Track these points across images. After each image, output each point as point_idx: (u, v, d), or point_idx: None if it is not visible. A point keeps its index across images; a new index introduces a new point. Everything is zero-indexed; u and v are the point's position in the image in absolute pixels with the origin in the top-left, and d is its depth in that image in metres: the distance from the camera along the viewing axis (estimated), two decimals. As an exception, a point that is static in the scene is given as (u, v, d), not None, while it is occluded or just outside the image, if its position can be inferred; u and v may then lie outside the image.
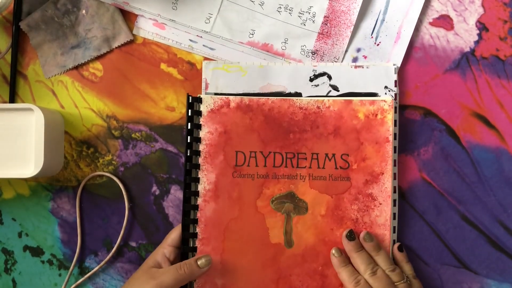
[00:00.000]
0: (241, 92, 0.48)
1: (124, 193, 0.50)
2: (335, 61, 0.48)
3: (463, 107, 0.47)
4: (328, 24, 0.48)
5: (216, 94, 0.48)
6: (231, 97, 0.47)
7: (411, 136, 0.48)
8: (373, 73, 0.47)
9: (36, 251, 0.52)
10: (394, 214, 0.46)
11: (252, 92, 0.48)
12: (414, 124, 0.48)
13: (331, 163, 0.46)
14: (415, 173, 0.48)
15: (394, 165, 0.46)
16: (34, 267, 0.52)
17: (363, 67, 0.47)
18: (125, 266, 0.51)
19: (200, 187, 0.47)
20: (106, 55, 0.50)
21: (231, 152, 0.47)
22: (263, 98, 0.47)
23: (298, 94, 0.48)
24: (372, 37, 0.47)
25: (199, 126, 0.47)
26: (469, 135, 0.47)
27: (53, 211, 0.51)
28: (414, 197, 0.48)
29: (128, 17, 0.50)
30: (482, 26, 0.47)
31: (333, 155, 0.46)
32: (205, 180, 0.47)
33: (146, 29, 0.50)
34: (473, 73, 0.47)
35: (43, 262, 0.52)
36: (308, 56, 0.48)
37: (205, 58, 0.49)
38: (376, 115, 0.46)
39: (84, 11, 0.50)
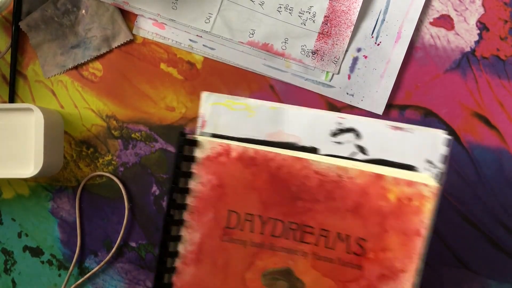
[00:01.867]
0: (243, 137, 0.39)
1: (124, 193, 0.50)
2: (335, 62, 0.48)
3: (464, 107, 0.47)
4: (329, 24, 0.48)
5: (213, 135, 0.40)
6: (232, 144, 0.38)
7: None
8: (415, 140, 0.37)
9: (36, 251, 0.52)
10: None
11: (257, 138, 0.39)
12: (414, 124, 0.48)
13: (342, 244, 0.38)
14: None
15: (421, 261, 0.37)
16: (34, 267, 0.52)
17: (403, 130, 0.37)
18: (125, 267, 0.51)
19: (181, 247, 0.39)
20: (105, 55, 0.50)
21: (223, 210, 0.39)
22: (272, 153, 0.38)
23: (314, 150, 0.39)
24: (372, 37, 0.47)
25: (189, 175, 0.38)
26: (470, 135, 0.47)
27: (53, 211, 0.51)
28: (414, 197, 0.47)
29: (128, 16, 0.50)
30: (482, 26, 0.47)
31: (347, 236, 0.37)
32: (188, 239, 0.39)
33: (146, 29, 0.49)
34: (473, 73, 0.47)
35: (42, 262, 0.52)
36: (308, 56, 0.48)
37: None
38: (411, 200, 0.36)
39: (83, 11, 0.49)
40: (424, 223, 0.36)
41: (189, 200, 0.39)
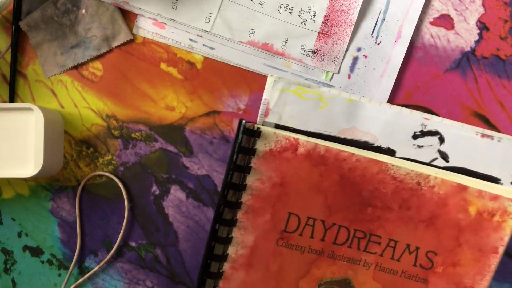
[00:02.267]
0: (312, 131, 0.36)
1: (124, 193, 0.50)
2: (335, 61, 0.48)
3: (464, 107, 0.47)
4: (329, 24, 0.48)
5: (277, 126, 0.36)
6: (301, 139, 0.35)
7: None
8: (504, 150, 0.35)
9: (36, 251, 0.52)
10: None
11: (328, 134, 0.36)
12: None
13: (410, 257, 0.35)
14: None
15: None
16: (34, 267, 0.52)
17: (492, 139, 0.35)
18: (125, 266, 0.51)
19: (231, 250, 0.36)
20: (105, 54, 0.50)
21: (283, 212, 0.35)
22: (346, 152, 0.34)
23: (392, 152, 0.36)
24: (372, 36, 0.47)
25: (247, 169, 0.35)
26: (470, 135, 0.47)
27: (53, 211, 0.51)
28: (414, 197, 0.47)
29: (128, 16, 0.50)
30: (482, 26, 0.47)
31: (417, 248, 0.35)
32: (240, 241, 0.36)
33: (146, 28, 0.49)
34: (473, 72, 0.47)
35: (42, 262, 0.52)
36: (308, 55, 0.48)
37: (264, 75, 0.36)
38: (494, 215, 0.34)
39: (83, 11, 0.49)
40: (504, 241, 0.34)
41: (245, 198, 0.35)
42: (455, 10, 0.47)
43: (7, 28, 0.52)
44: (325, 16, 0.47)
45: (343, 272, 0.36)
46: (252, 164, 0.35)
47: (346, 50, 0.48)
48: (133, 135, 0.50)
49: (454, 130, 0.35)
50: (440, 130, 0.36)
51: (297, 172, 0.35)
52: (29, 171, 0.47)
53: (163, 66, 0.50)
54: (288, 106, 0.36)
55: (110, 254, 0.50)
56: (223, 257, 0.36)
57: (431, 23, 0.47)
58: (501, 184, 0.34)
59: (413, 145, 0.35)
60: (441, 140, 0.35)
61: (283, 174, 0.35)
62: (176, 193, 0.50)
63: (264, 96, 0.36)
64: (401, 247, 0.35)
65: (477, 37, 0.47)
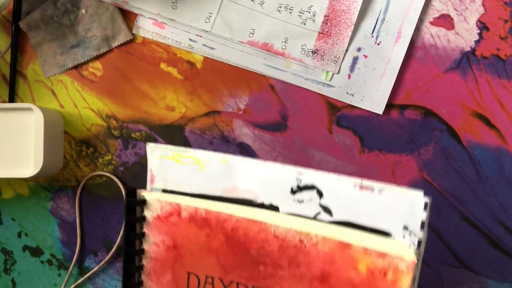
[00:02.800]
0: (197, 193, 0.35)
1: (124, 193, 0.50)
2: (335, 62, 0.48)
3: (464, 107, 0.47)
4: (329, 24, 0.48)
5: (164, 190, 0.36)
6: (182, 204, 0.34)
7: (411, 136, 0.47)
8: (387, 202, 0.31)
9: (36, 251, 0.52)
10: None
11: (212, 194, 0.35)
12: (414, 124, 0.48)
13: None
14: (415, 173, 0.48)
15: None
16: (34, 267, 0.52)
17: (373, 191, 0.31)
18: (125, 266, 0.51)
19: None
20: (105, 54, 0.50)
21: (182, 272, 0.35)
22: (225, 214, 0.34)
23: (275, 208, 0.34)
24: (372, 36, 0.47)
25: (142, 235, 0.36)
26: (470, 135, 0.47)
27: (53, 211, 0.51)
28: (414, 197, 0.47)
29: (128, 16, 0.50)
30: (482, 26, 0.47)
31: None
32: None
33: (146, 28, 0.49)
34: (473, 72, 0.47)
35: (42, 262, 0.52)
36: (308, 55, 0.48)
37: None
38: (385, 273, 0.30)
39: (83, 11, 0.49)
40: None
41: (145, 261, 0.36)
42: (455, 10, 0.47)
43: (7, 28, 0.52)
44: (325, 16, 0.47)
45: None
46: (144, 230, 0.36)
47: (346, 50, 0.48)
48: (133, 135, 0.50)
49: (330, 184, 0.33)
50: (316, 184, 0.33)
51: (186, 235, 0.35)
52: (29, 171, 0.47)
53: (163, 66, 0.50)
54: (169, 171, 0.36)
55: (110, 254, 0.50)
56: None
57: (431, 23, 0.47)
58: (391, 237, 0.31)
59: (293, 200, 0.33)
60: (320, 194, 0.33)
61: (174, 237, 0.35)
62: (176, 193, 0.50)
63: (148, 164, 0.36)
64: None
65: (477, 37, 0.47)
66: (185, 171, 0.36)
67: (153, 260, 0.36)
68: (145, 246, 0.36)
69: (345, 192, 0.32)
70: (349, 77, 0.48)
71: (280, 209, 0.34)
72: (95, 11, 0.49)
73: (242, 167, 0.35)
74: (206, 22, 0.49)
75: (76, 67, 0.51)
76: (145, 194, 0.35)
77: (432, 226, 0.47)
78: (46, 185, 0.51)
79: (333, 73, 0.48)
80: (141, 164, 0.50)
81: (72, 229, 0.51)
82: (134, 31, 0.50)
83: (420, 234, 0.31)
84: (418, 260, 0.30)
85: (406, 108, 0.48)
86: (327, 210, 0.33)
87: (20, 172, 0.47)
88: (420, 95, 0.48)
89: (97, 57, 0.50)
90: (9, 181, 0.52)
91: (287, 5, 0.48)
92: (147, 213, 0.36)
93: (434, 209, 0.47)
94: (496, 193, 0.47)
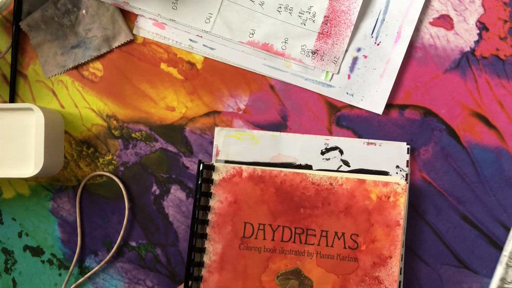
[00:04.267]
0: (251, 161, 0.48)
1: (124, 193, 0.50)
2: (335, 62, 0.48)
3: (463, 107, 0.47)
4: (328, 24, 0.48)
5: (226, 161, 0.48)
6: (243, 167, 0.46)
7: (411, 136, 0.48)
8: (385, 152, 0.47)
9: (36, 251, 0.52)
10: (400, 282, 0.46)
11: (263, 161, 0.48)
12: (414, 124, 0.48)
13: (340, 242, 0.45)
14: (415, 173, 0.48)
15: (402, 247, 0.46)
16: (34, 267, 0.52)
17: (375, 145, 0.47)
18: (125, 266, 0.51)
19: (206, 258, 0.46)
20: (106, 55, 0.50)
21: (240, 223, 0.46)
22: (276, 170, 0.46)
23: (309, 167, 0.47)
24: (372, 36, 0.47)
25: (209, 195, 0.46)
26: (469, 135, 0.47)
27: (53, 211, 0.51)
28: (414, 197, 0.47)
29: (128, 16, 0.50)
30: (482, 26, 0.47)
31: (343, 234, 0.45)
32: (211, 250, 0.46)
33: (146, 28, 0.50)
34: (473, 72, 0.47)
35: (43, 262, 0.52)
36: (308, 55, 0.48)
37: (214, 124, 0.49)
38: (389, 197, 0.45)
39: (84, 11, 0.50)
40: (401, 215, 0.45)
41: (210, 216, 0.46)
42: (455, 10, 0.47)
43: (7, 28, 0.52)
44: (325, 16, 0.48)
45: (293, 263, 0.46)
46: (211, 190, 0.46)
47: (346, 50, 0.48)
48: (133, 135, 0.50)
49: (348, 143, 0.47)
50: (338, 145, 0.47)
51: (245, 191, 0.46)
52: (30, 171, 0.47)
53: (163, 66, 0.50)
54: (231, 146, 0.48)
55: (111, 254, 0.50)
56: (201, 264, 0.46)
57: (430, 23, 0.47)
58: (390, 175, 0.47)
59: (323, 159, 0.48)
60: (341, 152, 0.47)
61: (235, 194, 0.46)
62: (176, 193, 0.50)
63: (214, 142, 0.48)
64: (331, 235, 0.46)
65: (476, 37, 0.47)
66: (244, 145, 0.48)
67: (217, 215, 0.46)
68: (211, 203, 0.46)
69: (358, 148, 0.47)
70: (349, 77, 0.48)
71: (313, 167, 0.48)
72: (96, 12, 0.49)
73: (285, 139, 0.48)
74: (206, 23, 0.49)
75: (76, 67, 0.51)
76: (213, 163, 0.47)
77: (432, 226, 0.47)
78: (46, 185, 0.52)
79: (333, 73, 0.48)
80: (141, 164, 0.50)
81: (73, 229, 0.51)
82: (134, 32, 0.50)
83: (407, 170, 0.47)
84: (407, 185, 0.46)
85: (405, 108, 0.48)
86: (346, 163, 0.47)
87: (21, 172, 0.47)
88: (419, 95, 0.48)
89: (98, 58, 0.50)
90: (10, 181, 0.52)
91: (287, 6, 0.48)
92: (215, 176, 0.47)
93: (434, 209, 0.47)
94: (495, 193, 0.47)
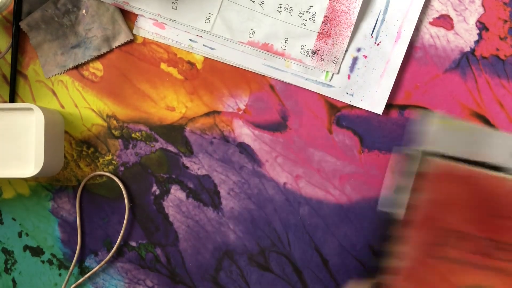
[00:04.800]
0: (461, 157, 0.41)
1: (124, 193, 0.50)
2: (335, 62, 0.48)
3: (463, 107, 0.47)
4: (328, 24, 0.48)
5: (434, 154, 0.41)
6: (453, 164, 0.40)
7: (411, 136, 0.48)
8: None
9: (36, 251, 0.52)
10: None
11: (473, 159, 0.41)
12: (414, 124, 0.48)
13: None
14: (415, 173, 0.48)
15: None
16: (34, 267, 0.52)
17: None
18: (125, 266, 0.51)
19: (395, 262, 0.40)
20: (106, 54, 0.50)
21: (437, 227, 0.40)
22: (484, 173, 0.40)
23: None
24: (372, 36, 0.47)
25: (410, 190, 0.40)
26: (469, 135, 0.47)
27: (53, 211, 0.51)
28: (414, 197, 0.48)
29: (128, 16, 0.50)
30: (482, 26, 0.47)
31: None
32: (402, 254, 0.40)
33: (146, 28, 0.50)
34: (473, 72, 0.47)
35: (43, 262, 0.52)
36: (308, 55, 0.48)
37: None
38: None
39: (84, 11, 0.50)
40: None
41: (407, 215, 0.40)
42: (455, 10, 0.47)
43: (7, 28, 0.52)
44: (325, 16, 0.48)
45: (488, 280, 0.39)
46: (409, 186, 0.40)
47: (346, 50, 0.48)
48: (133, 135, 0.50)
49: None
50: None
51: (449, 192, 0.40)
52: (30, 171, 0.47)
53: (163, 66, 0.50)
54: (444, 137, 0.41)
55: (111, 254, 0.50)
56: (389, 269, 0.40)
57: (430, 23, 0.47)
58: None
59: None
60: None
61: (439, 194, 0.40)
62: (176, 193, 0.50)
63: (421, 130, 0.42)
64: None
65: (476, 37, 0.47)
66: (456, 138, 0.41)
67: (416, 214, 0.40)
68: (411, 200, 0.40)
69: None
70: (348, 77, 0.48)
71: None
72: (96, 12, 0.49)
73: (496, 136, 0.41)
74: (206, 23, 0.49)
75: (76, 67, 0.51)
76: (421, 153, 0.41)
77: (432, 226, 0.47)
78: (46, 185, 0.52)
79: (333, 73, 0.48)
80: (141, 164, 0.50)
81: (73, 229, 0.51)
82: (134, 32, 0.50)
83: None
84: None
85: (405, 108, 0.48)
86: None
87: (21, 172, 0.47)
88: (419, 95, 0.48)
89: (98, 57, 0.50)
90: (9, 181, 0.52)
91: (287, 6, 0.48)
92: (420, 170, 0.40)
93: (434, 209, 0.47)
94: (495, 193, 0.47)
